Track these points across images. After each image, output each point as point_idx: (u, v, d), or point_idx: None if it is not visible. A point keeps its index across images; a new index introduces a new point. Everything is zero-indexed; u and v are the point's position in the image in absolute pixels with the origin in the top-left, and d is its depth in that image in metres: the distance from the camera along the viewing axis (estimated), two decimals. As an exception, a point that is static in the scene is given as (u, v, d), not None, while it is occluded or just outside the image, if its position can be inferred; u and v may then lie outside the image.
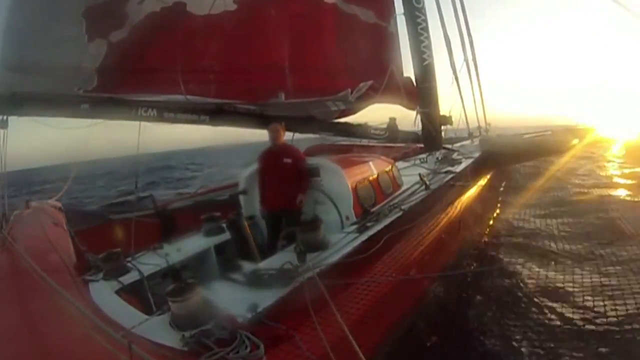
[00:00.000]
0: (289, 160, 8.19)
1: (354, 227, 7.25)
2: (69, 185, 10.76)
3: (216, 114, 10.07)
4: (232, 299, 4.84)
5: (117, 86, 8.90)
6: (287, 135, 9.25)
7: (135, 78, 9.02)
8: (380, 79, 10.78)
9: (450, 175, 10.87)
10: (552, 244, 11.33)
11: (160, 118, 9.38)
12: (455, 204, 9.62)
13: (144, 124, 9.10)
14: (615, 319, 7.49)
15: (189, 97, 9.40)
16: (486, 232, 12.74)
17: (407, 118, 12.36)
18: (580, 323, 7.48)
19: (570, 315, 7.71)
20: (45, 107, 8.47)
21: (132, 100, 9.17)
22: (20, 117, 8.26)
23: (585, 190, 18.23)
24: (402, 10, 11.85)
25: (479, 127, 18.14)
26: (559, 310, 7.92)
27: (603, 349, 6.78)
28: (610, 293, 8.36)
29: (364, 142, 13.18)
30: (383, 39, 11.31)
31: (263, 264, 6.12)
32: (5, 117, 8.03)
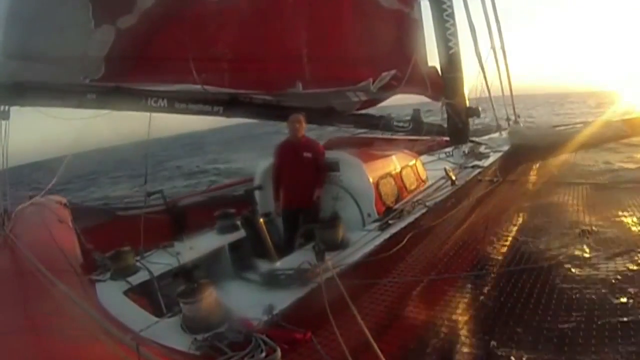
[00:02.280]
0: (309, 155, 8.15)
1: (376, 224, 7.24)
2: (59, 174, 10.73)
3: (230, 105, 10.01)
4: (246, 301, 4.85)
5: (125, 75, 8.85)
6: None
7: (144, 66, 8.95)
8: (403, 68, 10.67)
9: (478, 170, 10.83)
10: (590, 245, 11.20)
11: (171, 109, 9.35)
12: (483, 200, 9.57)
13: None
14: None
15: (203, 86, 9.35)
16: (516, 230, 12.66)
17: (433, 110, 12.32)
18: (618, 334, 7.39)
19: (609, 325, 7.61)
20: (49, 97, 8.45)
21: (141, 90, 9.14)
22: (22, 107, 8.26)
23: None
24: (426, -5, 11.78)
25: (508, 119, 18.01)
26: (594, 317, 7.82)
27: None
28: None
29: (386, 134, 13.12)
30: (406, 26, 11.22)
31: (279, 264, 6.12)
32: (6, 108, 8.02)
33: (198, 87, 9.22)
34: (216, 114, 9.88)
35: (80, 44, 8.31)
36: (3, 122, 7.92)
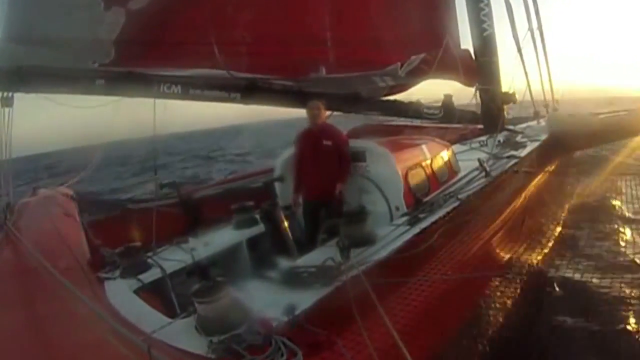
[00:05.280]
0: (329, 143, 8.06)
1: (405, 218, 7.16)
2: (86, 172, 10.74)
3: (249, 91, 9.98)
4: (266, 300, 4.79)
5: (136, 60, 8.83)
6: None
7: (157, 51, 8.92)
8: (434, 51, 10.58)
9: (514, 161, 10.72)
10: (636, 243, 11.09)
11: (185, 95, 9.32)
12: (520, 193, 9.50)
13: (164, 101, 9.03)
14: None
15: (221, 71, 9.28)
16: (556, 225, 12.57)
17: (466, 95, 12.26)
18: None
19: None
20: (56, 83, 8.40)
21: (153, 75, 9.10)
22: (27, 94, 8.23)
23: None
24: (459, -26, 11.69)
25: (546, 106, 17.90)
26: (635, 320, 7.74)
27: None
28: None
29: (416, 122, 13.05)
30: (438, 6, 11.16)
31: (301, 261, 6.06)
32: (10, 94, 8.00)
33: (214, 72, 9.17)
34: (233, 100, 9.84)
35: (88, 26, 8.26)
36: (6, 110, 7.91)
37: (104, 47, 8.44)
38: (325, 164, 7.99)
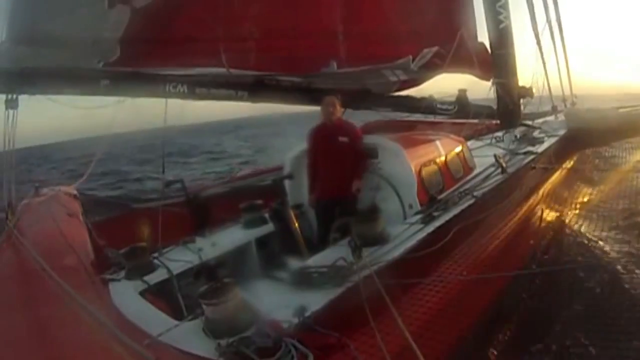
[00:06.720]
0: (345, 140, 8.04)
1: (418, 217, 7.13)
2: (91, 168, 10.72)
3: (256, 89, 9.94)
4: (275, 301, 4.78)
5: (142, 59, 8.81)
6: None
7: (162, 49, 8.89)
8: (448, 44, 10.53)
9: (531, 157, 10.71)
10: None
11: (192, 95, 9.27)
12: (537, 190, 9.47)
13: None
14: None
15: (227, 69, 9.26)
16: (574, 223, 12.53)
17: (481, 89, 12.22)
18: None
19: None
20: (60, 84, 8.36)
21: (159, 74, 9.06)
22: (31, 95, 8.23)
23: None
24: (474, -36, 11.62)
25: (564, 100, 17.84)
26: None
27: None
28: None
29: (430, 118, 13.01)
30: (453, -3, 11.12)
31: (312, 261, 6.02)
32: (14, 96, 7.99)
33: (220, 70, 9.15)
34: (240, 99, 9.80)
35: (92, 25, 8.22)
36: (11, 112, 7.90)
37: (109, 46, 8.41)
38: (341, 161, 7.96)
